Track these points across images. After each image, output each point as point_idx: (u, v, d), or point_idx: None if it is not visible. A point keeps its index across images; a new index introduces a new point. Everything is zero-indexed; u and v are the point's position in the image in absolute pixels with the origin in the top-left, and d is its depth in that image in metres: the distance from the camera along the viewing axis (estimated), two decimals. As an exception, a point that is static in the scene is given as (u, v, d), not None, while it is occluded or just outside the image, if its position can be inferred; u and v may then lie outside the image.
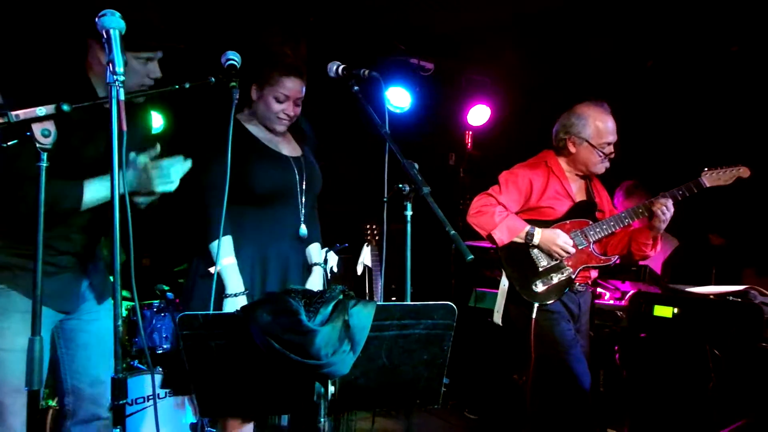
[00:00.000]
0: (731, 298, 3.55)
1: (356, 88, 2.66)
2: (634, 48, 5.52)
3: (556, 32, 5.39)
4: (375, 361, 1.84)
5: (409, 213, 2.37)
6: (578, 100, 3.68)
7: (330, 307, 1.65)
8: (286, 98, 2.97)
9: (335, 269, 5.04)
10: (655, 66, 5.66)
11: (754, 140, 5.11)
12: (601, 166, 3.63)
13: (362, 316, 1.70)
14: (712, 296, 3.66)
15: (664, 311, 3.76)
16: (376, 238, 5.01)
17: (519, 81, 6.35)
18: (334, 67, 2.71)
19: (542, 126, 3.90)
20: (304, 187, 3.03)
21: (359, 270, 5.17)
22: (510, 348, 4.75)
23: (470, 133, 6.80)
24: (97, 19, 1.87)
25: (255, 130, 3.05)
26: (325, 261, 5.02)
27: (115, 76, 1.81)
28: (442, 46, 5.96)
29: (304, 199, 3.04)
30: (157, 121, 5.88)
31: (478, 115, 6.55)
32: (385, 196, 2.56)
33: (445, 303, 1.82)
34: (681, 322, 3.70)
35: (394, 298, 5.54)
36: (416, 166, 2.33)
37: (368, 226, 5.03)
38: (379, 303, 1.75)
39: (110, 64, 1.81)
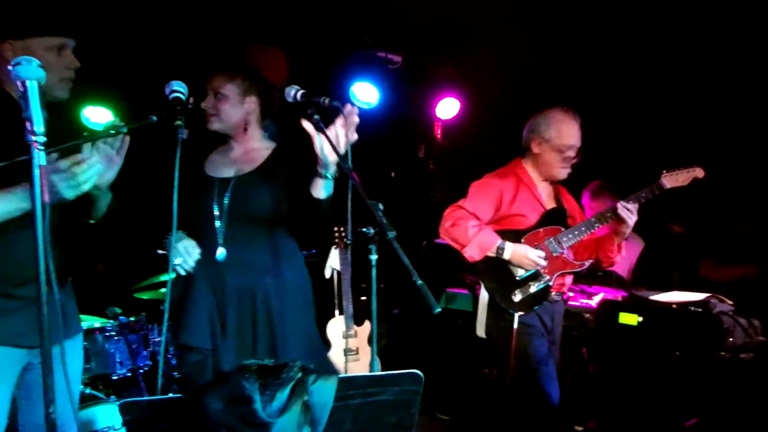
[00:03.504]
0: (693, 308, 3.63)
1: (317, 117, 2.48)
2: (601, 43, 5.50)
3: (525, 25, 5.35)
4: (340, 426, 1.73)
5: (374, 257, 2.29)
6: (547, 92, 3.67)
7: (287, 391, 1.54)
8: (207, 95, 2.92)
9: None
10: (622, 60, 5.65)
11: (719, 136, 5.16)
12: (562, 171, 3.65)
13: (323, 393, 1.61)
14: (674, 305, 3.72)
15: (629, 319, 3.84)
16: (344, 240, 4.96)
17: (489, 73, 6.28)
18: (293, 92, 2.54)
19: (512, 119, 3.88)
20: (224, 208, 2.82)
21: (327, 274, 5.08)
22: (480, 347, 4.76)
23: (439, 125, 6.75)
24: (10, 68, 1.69)
25: (216, 153, 3.01)
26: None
27: (34, 138, 1.63)
28: (410, 38, 5.87)
29: (224, 222, 2.82)
30: (106, 117, 5.63)
31: (447, 108, 6.45)
32: (349, 238, 2.51)
33: (411, 372, 1.74)
34: (646, 330, 3.79)
35: (363, 298, 5.51)
36: (381, 206, 2.26)
37: (336, 229, 4.97)
38: (341, 375, 1.66)
39: (28, 122, 1.64)
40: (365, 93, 5.94)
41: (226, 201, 2.83)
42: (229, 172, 2.92)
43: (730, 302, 3.72)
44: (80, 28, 2.38)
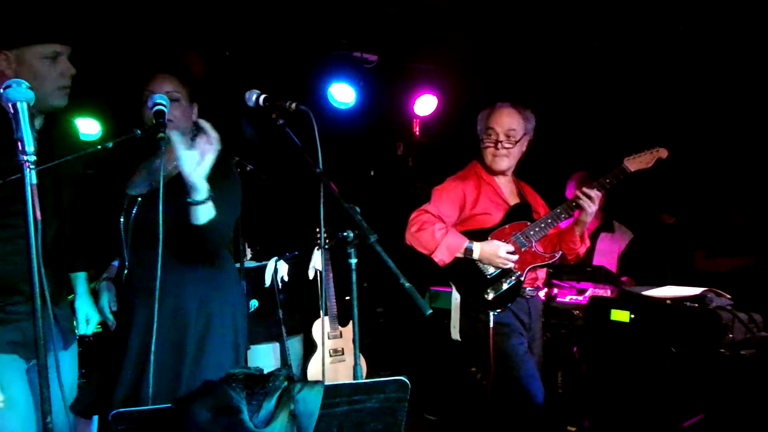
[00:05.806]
0: (688, 303, 3.51)
1: (281, 121, 2.36)
2: (579, 32, 5.46)
3: (500, 18, 5.30)
4: (326, 433, 1.74)
5: (353, 261, 2.22)
6: (525, 85, 3.61)
7: (274, 400, 1.53)
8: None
9: (285, 278, 4.94)
10: (602, 47, 5.60)
11: (710, 124, 5.13)
12: (496, 160, 3.63)
13: (309, 401, 1.60)
14: (668, 301, 3.62)
15: (620, 315, 3.73)
16: (327, 241, 4.90)
17: (466, 68, 6.25)
18: (254, 97, 2.41)
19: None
20: (129, 229, 2.63)
21: (311, 275, 5.09)
22: (466, 346, 4.70)
23: (418, 122, 6.72)
24: (1, 90, 1.71)
25: (142, 165, 2.80)
26: (276, 271, 4.91)
27: (25, 157, 1.64)
28: (386, 36, 5.82)
29: (128, 243, 2.63)
30: (93, 128, 5.69)
31: (425, 104, 6.44)
32: (323, 241, 2.44)
33: (397, 378, 1.73)
34: (638, 326, 3.66)
35: (348, 298, 5.43)
36: (358, 209, 2.18)
37: (317, 230, 4.92)
38: (327, 384, 1.65)
39: (19, 143, 1.65)
40: (342, 93, 5.90)
41: (131, 221, 2.63)
42: (142, 188, 2.70)
43: (728, 296, 3.57)
44: (73, 36, 2.37)
